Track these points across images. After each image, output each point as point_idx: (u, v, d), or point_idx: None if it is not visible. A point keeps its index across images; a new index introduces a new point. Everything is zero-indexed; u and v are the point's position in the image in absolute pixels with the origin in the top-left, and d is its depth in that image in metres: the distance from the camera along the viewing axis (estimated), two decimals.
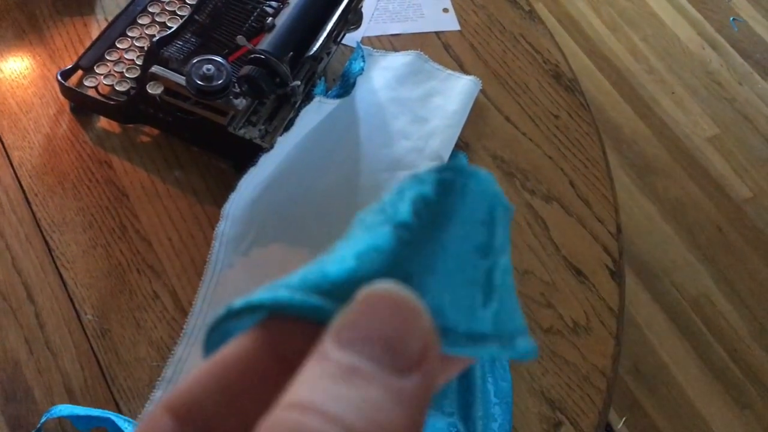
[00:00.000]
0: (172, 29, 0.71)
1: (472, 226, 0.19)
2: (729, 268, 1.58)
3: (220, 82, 0.63)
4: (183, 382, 0.19)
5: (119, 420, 0.56)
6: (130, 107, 0.71)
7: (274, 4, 0.73)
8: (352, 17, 0.74)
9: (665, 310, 1.51)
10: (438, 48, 0.84)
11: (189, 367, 0.61)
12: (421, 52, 0.81)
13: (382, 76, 0.79)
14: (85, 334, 0.62)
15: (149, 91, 0.68)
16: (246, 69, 0.62)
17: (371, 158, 0.72)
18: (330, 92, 0.75)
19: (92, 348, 0.62)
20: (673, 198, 1.66)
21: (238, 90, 0.64)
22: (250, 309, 0.19)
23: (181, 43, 0.70)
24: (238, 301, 0.19)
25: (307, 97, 0.69)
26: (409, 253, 0.19)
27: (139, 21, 0.77)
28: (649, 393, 1.41)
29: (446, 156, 0.73)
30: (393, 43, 0.84)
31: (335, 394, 0.15)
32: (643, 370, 1.43)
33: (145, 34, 0.76)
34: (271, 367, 0.18)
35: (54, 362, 0.61)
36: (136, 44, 0.75)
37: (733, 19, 1.99)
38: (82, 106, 0.74)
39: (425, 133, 0.75)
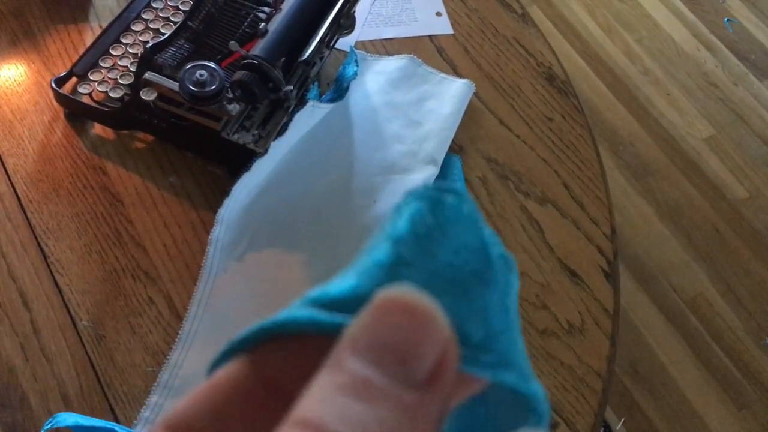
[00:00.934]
0: (166, 35, 0.71)
1: (466, 251, 0.19)
2: (726, 268, 1.58)
3: (213, 87, 0.63)
4: (181, 401, 0.19)
5: (123, 431, 0.56)
6: (124, 113, 0.71)
7: (266, 9, 0.73)
8: (345, 22, 0.74)
9: (663, 311, 1.51)
10: (431, 52, 0.85)
11: (185, 372, 0.61)
12: (415, 56, 0.82)
13: (375, 80, 0.79)
14: (81, 340, 0.62)
15: (143, 97, 0.68)
16: (239, 74, 0.63)
17: (365, 162, 0.73)
18: (323, 97, 0.75)
19: (88, 354, 0.62)
20: (669, 199, 1.67)
21: (231, 95, 0.64)
22: (249, 338, 0.19)
23: (174, 49, 0.71)
24: (239, 334, 0.19)
25: (301, 102, 0.69)
26: (411, 270, 0.18)
27: (133, 27, 0.77)
28: (647, 394, 1.41)
29: (440, 159, 0.73)
30: (386, 47, 0.84)
31: (346, 412, 0.15)
32: (641, 371, 1.43)
33: (139, 40, 0.76)
34: (259, 393, 0.18)
35: (49, 369, 0.61)
36: (130, 51, 0.75)
37: (728, 20, 1.99)
38: (76, 113, 0.74)
39: (419, 136, 0.75)
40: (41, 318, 0.63)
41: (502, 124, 0.80)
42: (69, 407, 0.59)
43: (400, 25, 0.87)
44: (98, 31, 0.78)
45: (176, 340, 0.62)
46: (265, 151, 0.65)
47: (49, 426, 0.56)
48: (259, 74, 0.63)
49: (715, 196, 1.68)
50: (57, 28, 0.81)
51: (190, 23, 0.73)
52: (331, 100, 0.74)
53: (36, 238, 0.67)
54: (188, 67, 0.64)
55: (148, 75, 0.66)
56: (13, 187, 0.70)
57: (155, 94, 0.68)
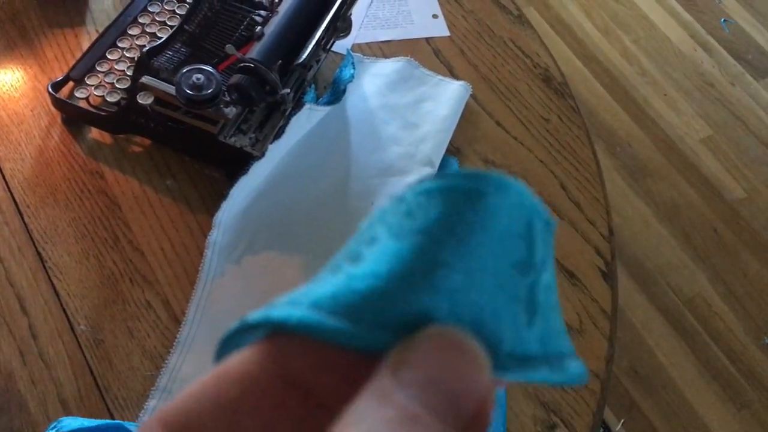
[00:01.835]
0: (162, 39, 0.71)
1: (509, 241, 0.18)
2: (724, 268, 1.58)
3: (210, 91, 0.63)
4: (180, 395, 0.17)
5: (130, 425, 0.56)
6: (121, 118, 0.71)
7: (263, 12, 0.73)
8: (341, 24, 0.74)
9: (661, 312, 1.51)
10: (428, 54, 0.85)
11: (183, 376, 0.61)
12: (411, 59, 0.82)
13: (372, 82, 0.79)
14: (79, 344, 0.62)
15: (140, 101, 0.69)
16: (236, 78, 0.63)
17: (362, 164, 0.73)
18: (320, 99, 0.75)
19: (86, 358, 0.62)
20: (667, 199, 1.67)
21: (228, 99, 0.64)
22: (268, 324, 0.17)
23: (171, 53, 0.71)
24: (255, 314, 0.18)
25: (298, 105, 0.69)
26: (449, 271, 0.17)
27: (130, 32, 0.77)
28: (646, 395, 1.41)
29: (437, 161, 0.73)
30: (383, 49, 0.84)
31: None
32: (640, 372, 1.43)
33: (136, 44, 0.76)
34: (277, 387, 0.17)
35: (48, 373, 0.61)
36: (127, 55, 0.75)
37: (724, 21, 2.00)
38: (73, 118, 0.74)
39: (416, 138, 0.75)
40: (39, 323, 0.63)
41: (499, 125, 0.80)
42: (67, 411, 0.59)
43: (397, 28, 0.87)
44: (95, 36, 0.79)
45: (174, 343, 0.62)
46: (263, 154, 0.65)
47: (52, 431, 0.56)
48: (255, 77, 0.63)
49: (713, 197, 1.68)
50: (53, 33, 0.81)
51: (186, 27, 0.73)
52: (328, 103, 0.74)
53: (33, 242, 0.67)
54: (185, 70, 0.64)
55: (145, 79, 0.66)
56: (11, 191, 0.70)
57: (152, 98, 0.68)
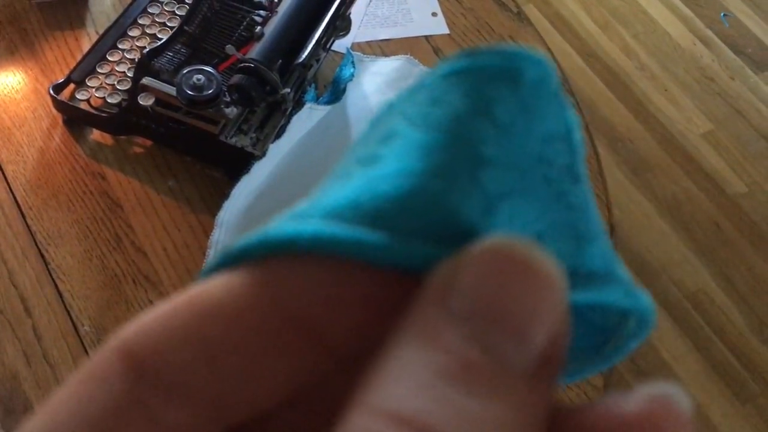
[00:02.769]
0: (163, 40, 0.71)
1: (553, 138, 0.14)
2: (726, 263, 1.58)
3: (210, 91, 0.63)
4: (144, 318, 0.13)
5: None
6: (123, 119, 0.71)
7: (262, 13, 0.73)
8: (341, 24, 0.74)
9: (664, 307, 1.51)
10: (428, 52, 0.85)
11: None
12: (411, 57, 0.82)
13: (372, 81, 0.79)
14: (83, 345, 0.63)
15: (141, 102, 0.69)
16: (236, 78, 0.63)
17: None
18: (321, 99, 0.76)
19: None
20: (668, 194, 1.67)
21: (228, 99, 0.64)
22: (266, 248, 0.14)
23: (171, 53, 0.71)
24: (248, 237, 0.14)
25: (298, 104, 0.69)
26: (495, 171, 0.14)
27: (130, 33, 0.77)
28: None
29: None
30: (383, 48, 0.84)
31: (448, 410, 0.11)
32: (643, 367, 1.44)
33: (136, 45, 0.76)
34: (276, 325, 0.13)
35: (52, 374, 0.61)
36: (127, 56, 0.75)
37: (724, 15, 1.99)
38: (74, 119, 0.74)
39: None
40: (43, 324, 0.63)
41: None
42: None
43: (396, 26, 0.87)
44: (95, 37, 0.79)
45: None
46: (263, 154, 0.65)
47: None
48: (256, 77, 0.63)
49: (715, 191, 1.68)
50: (54, 35, 0.81)
51: (186, 28, 0.73)
52: (329, 102, 0.74)
53: (36, 244, 0.67)
54: (185, 71, 0.64)
55: (146, 80, 0.66)
56: (13, 194, 0.70)
57: (153, 99, 0.68)
